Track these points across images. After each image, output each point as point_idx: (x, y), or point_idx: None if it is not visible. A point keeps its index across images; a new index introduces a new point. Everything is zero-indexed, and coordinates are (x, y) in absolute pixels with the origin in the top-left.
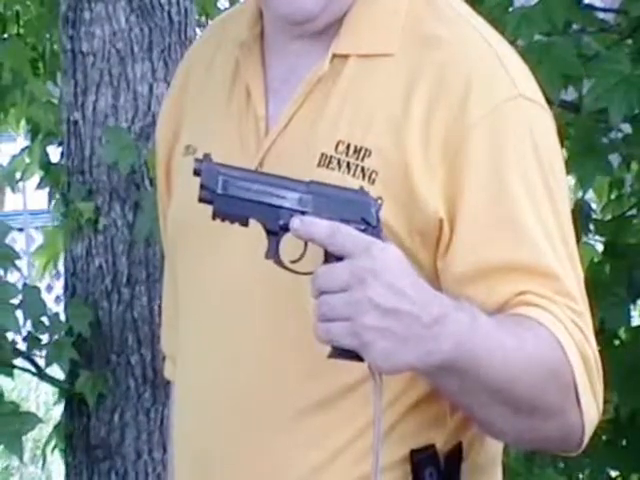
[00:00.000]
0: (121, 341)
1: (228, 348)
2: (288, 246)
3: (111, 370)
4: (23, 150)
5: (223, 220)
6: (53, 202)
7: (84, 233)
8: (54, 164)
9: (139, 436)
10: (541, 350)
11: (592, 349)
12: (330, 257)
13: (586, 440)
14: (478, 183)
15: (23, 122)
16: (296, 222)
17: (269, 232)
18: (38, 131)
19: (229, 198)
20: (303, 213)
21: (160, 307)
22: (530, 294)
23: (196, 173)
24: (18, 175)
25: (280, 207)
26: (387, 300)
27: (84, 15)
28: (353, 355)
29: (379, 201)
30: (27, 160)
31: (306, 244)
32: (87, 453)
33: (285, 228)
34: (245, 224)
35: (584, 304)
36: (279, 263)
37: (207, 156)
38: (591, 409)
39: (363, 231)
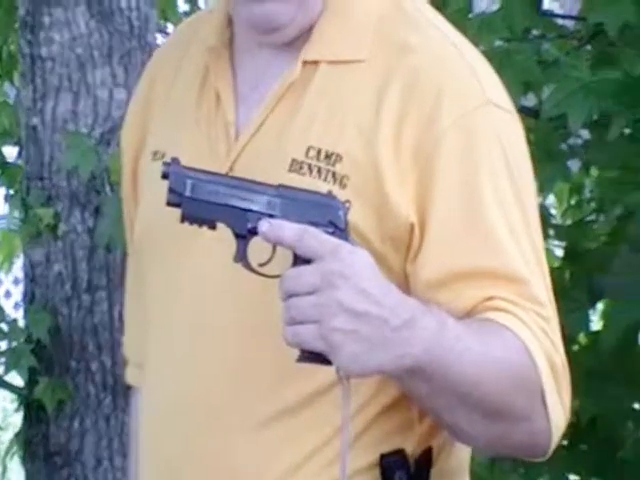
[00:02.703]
0: (81, 348)
1: (197, 354)
2: (257, 249)
3: (71, 377)
4: None
5: (191, 223)
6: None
7: (43, 239)
8: (10, 164)
9: (99, 443)
10: (509, 355)
11: (559, 355)
12: (298, 260)
13: (553, 446)
14: (448, 189)
15: None
16: (264, 225)
17: (237, 235)
18: None
19: (197, 201)
20: (271, 216)
21: (121, 313)
22: (498, 299)
23: (164, 176)
24: None
25: (248, 210)
26: (356, 303)
27: (43, 20)
28: (322, 359)
29: (347, 204)
30: None
31: (274, 247)
32: (46, 460)
33: (253, 231)
34: (213, 227)
35: (552, 310)
36: (247, 266)
37: (175, 160)
38: (558, 415)
39: (331, 234)
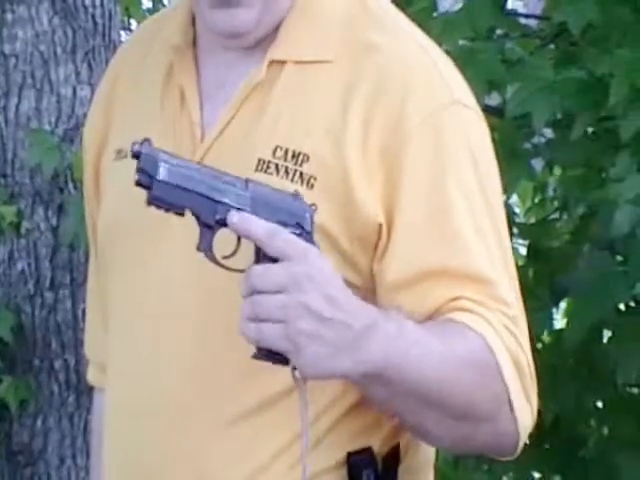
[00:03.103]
0: (44, 346)
1: (161, 352)
2: (221, 242)
3: (34, 375)
4: None
5: (158, 207)
6: None
7: (6, 237)
8: None
9: (62, 442)
10: (471, 355)
11: (525, 354)
12: (263, 257)
13: (521, 444)
14: (416, 188)
15: None
16: (235, 217)
17: (204, 225)
18: None
19: (168, 185)
20: (239, 210)
21: (84, 311)
22: (463, 299)
23: (135, 156)
24: None
25: (219, 202)
26: (322, 307)
27: (6, 17)
28: (279, 358)
29: (313, 207)
30: None
31: (239, 241)
32: (9, 459)
33: (221, 222)
34: (181, 214)
35: (519, 309)
36: (211, 257)
37: (147, 140)
38: (525, 414)
39: (298, 235)
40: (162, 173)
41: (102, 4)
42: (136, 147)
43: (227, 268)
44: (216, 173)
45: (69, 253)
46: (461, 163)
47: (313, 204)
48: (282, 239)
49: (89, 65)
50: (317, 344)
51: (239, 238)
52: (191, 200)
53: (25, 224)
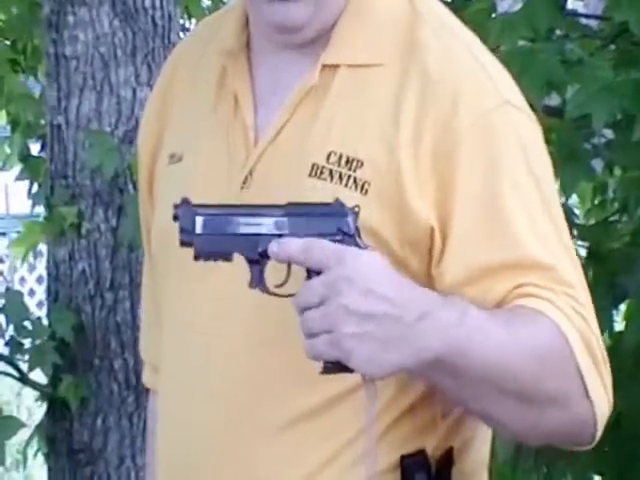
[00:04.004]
0: (104, 345)
1: (212, 365)
2: (272, 271)
3: (94, 374)
4: (3, 139)
5: (206, 260)
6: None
7: (67, 237)
8: (33, 156)
9: (122, 441)
10: (538, 337)
11: (595, 335)
12: (311, 274)
13: (599, 432)
14: (469, 191)
15: (3, 113)
16: (274, 246)
17: (251, 261)
18: (18, 124)
19: (208, 237)
20: (280, 236)
21: None
22: (528, 286)
23: (175, 218)
24: None
25: (257, 235)
26: (362, 305)
27: (67, 19)
28: (343, 367)
29: (356, 209)
30: (7, 150)
31: (289, 267)
32: (69, 458)
33: (265, 255)
34: (229, 259)
35: (584, 293)
36: (264, 291)
37: (186, 199)
38: (599, 395)
39: (340, 241)
40: (199, 227)
41: (162, 6)
42: (174, 210)
43: (281, 296)
44: (251, 209)
45: (128, 254)
46: (513, 162)
47: (356, 205)
48: (317, 250)
49: (149, 67)
50: (364, 343)
51: (289, 265)
52: (233, 243)
53: (85, 225)
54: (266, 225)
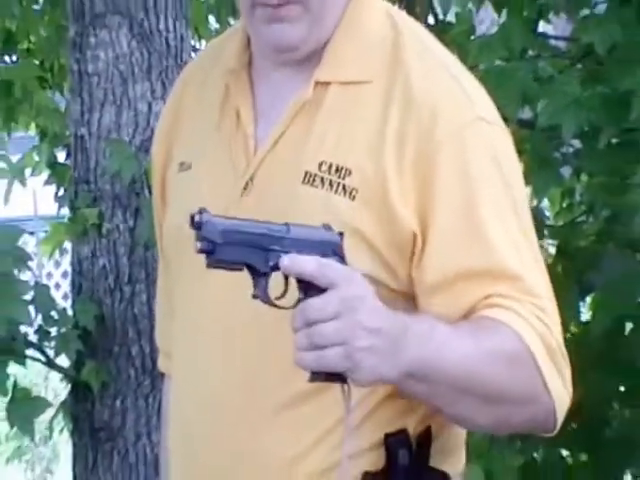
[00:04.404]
0: (123, 334)
1: (214, 362)
2: (271, 285)
3: (113, 360)
4: (33, 148)
5: (219, 268)
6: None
7: (89, 236)
8: (60, 164)
9: (138, 420)
10: (502, 344)
11: (556, 339)
12: (311, 290)
13: (560, 421)
14: (447, 199)
15: (33, 125)
16: (286, 260)
17: (258, 274)
18: (46, 134)
19: (227, 246)
20: (287, 253)
21: None
22: (495, 296)
23: (197, 227)
24: (28, 171)
25: (270, 249)
26: (373, 321)
27: (90, 40)
28: (336, 377)
29: (341, 235)
30: (36, 158)
31: (287, 281)
32: (92, 435)
33: (275, 268)
34: (240, 269)
35: (548, 300)
36: (266, 301)
37: (203, 209)
38: (559, 392)
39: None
40: (219, 236)
41: (175, 29)
42: (196, 217)
43: (281, 307)
44: (261, 224)
45: (144, 252)
46: (488, 173)
47: (341, 232)
48: (329, 269)
49: (163, 83)
50: (371, 355)
51: (286, 279)
52: (247, 254)
53: (106, 225)
54: (276, 241)
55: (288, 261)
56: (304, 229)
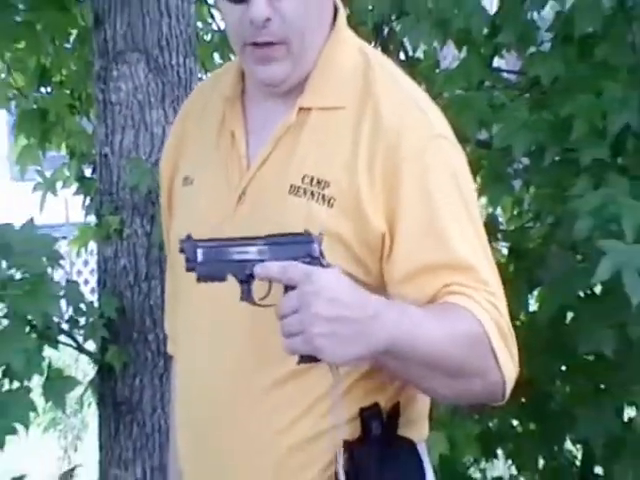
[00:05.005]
0: (141, 323)
1: (212, 358)
2: (258, 288)
3: (133, 345)
4: (64, 165)
5: (206, 281)
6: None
7: (112, 240)
8: (87, 178)
9: (154, 396)
10: (462, 326)
11: (505, 320)
12: (287, 289)
13: (508, 391)
14: (410, 202)
15: (64, 145)
16: (258, 268)
17: (241, 281)
18: (74, 153)
19: (207, 264)
20: (262, 261)
21: None
22: (454, 285)
23: (181, 251)
24: (59, 184)
25: (246, 261)
26: (327, 311)
27: (112, 73)
28: (314, 358)
29: (320, 236)
30: (67, 173)
31: (270, 284)
32: (115, 408)
33: (252, 275)
34: (224, 279)
35: (498, 287)
36: (252, 303)
37: (189, 236)
38: (508, 367)
39: (308, 263)
40: (200, 257)
41: (185, 64)
42: (180, 244)
43: (264, 306)
44: (239, 241)
45: (159, 253)
46: (445, 180)
47: (320, 234)
48: (290, 270)
49: (174, 110)
50: (332, 340)
51: (270, 282)
52: (227, 268)
53: (126, 230)
54: (252, 253)
55: (259, 268)
56: (281, 238)
